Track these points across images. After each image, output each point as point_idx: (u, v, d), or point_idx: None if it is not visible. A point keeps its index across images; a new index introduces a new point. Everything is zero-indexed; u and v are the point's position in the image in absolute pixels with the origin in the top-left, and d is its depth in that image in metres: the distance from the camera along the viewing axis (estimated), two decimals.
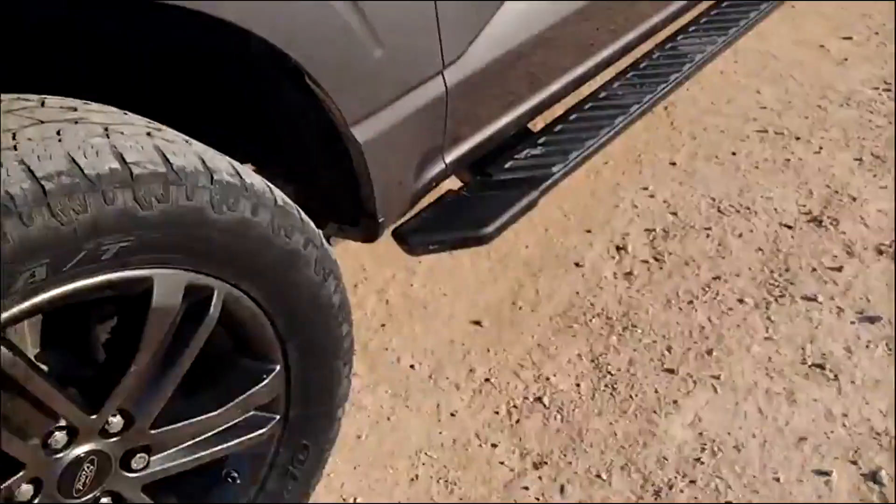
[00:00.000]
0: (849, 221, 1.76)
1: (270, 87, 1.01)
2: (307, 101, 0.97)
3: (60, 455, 0.90)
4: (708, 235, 1.76)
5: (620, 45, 1.53)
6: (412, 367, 1.52)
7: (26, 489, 0.89)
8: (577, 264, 1.71)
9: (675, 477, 1.30)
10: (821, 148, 1.98)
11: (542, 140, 1.47)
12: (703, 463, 1.32)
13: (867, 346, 1.49)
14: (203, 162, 0.86)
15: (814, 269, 1.65)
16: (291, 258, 0.98)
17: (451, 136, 1.21)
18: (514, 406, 1.44)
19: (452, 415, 1.43)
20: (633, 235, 1.77)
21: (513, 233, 1.78)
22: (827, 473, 1.29)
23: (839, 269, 1.65)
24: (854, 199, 1.81)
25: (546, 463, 1.34)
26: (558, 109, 1.52)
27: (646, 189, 1.90)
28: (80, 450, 0.91)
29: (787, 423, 1.37)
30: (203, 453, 1.04)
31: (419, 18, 1.02)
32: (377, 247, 1.74)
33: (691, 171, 1.94)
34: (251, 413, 1.08)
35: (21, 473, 0.87)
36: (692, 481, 1.30)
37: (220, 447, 1.06)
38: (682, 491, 1.28)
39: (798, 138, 2.02)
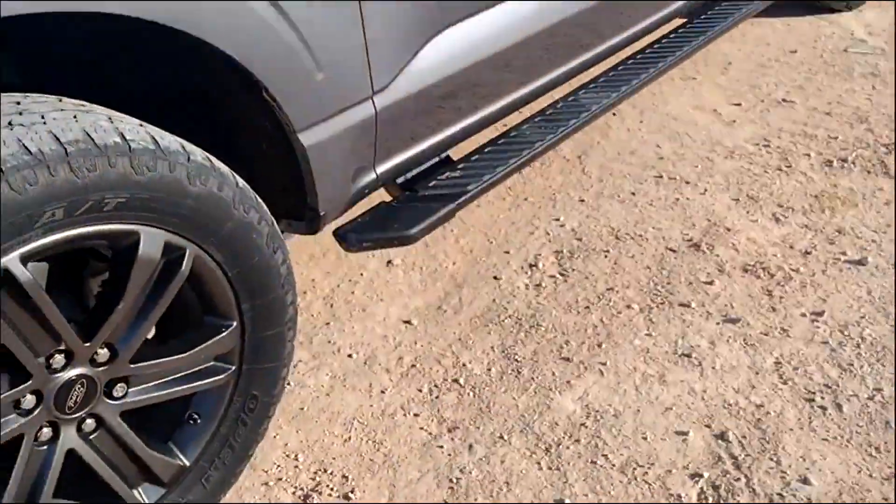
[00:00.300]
0: (722, 247, 2.09)
1: (233, 95, 1.30)
2: (262, 109, 1.27)
3: (58, 374, 1.14)
4: (606, 256, 2.07)
5: (532, 88, 1.87)
6: (350, 355, 1.79)
7: (30, 399, 1.12)
8: (495, 277, 2.01)
9: (563, 437, 1.57)
10: (706, 190, 2.33)
11: (460, 166, 1.79)
12: (586, 427, 1.59)
13: (727, 341, 1.79)
14: (182, 146, 1.14)
15: (690, 283, 1.97)
16: (248, 229, 1.25)
17: (382, 151, 1.52)
18: (435, 385, 1.71)
19: (382, 392, 1.69)
20: (543, 255, 2.08)
21: (442, 253, 2.08)
22: (685, 433, 1.57)
23: (711, 283, 1.97)
24: (728, 230, 2.15)
25: (458, 428, 1.60)
26: (476, 141, 1.84)
27: (557, 220, 2.22)
28: (74, 372, 1.15)
29: (657, 397, 1.66)
30: (171, 390, 1.29)
31: (351, 50, 1.33)
32: (325, 261, 2.03)
33: (596, 206, 2.27)
34: (211, 363, 1.34)
35: (28, 383, 1.11)
36: (576, 440, 1.56)
37: (184, 387, 1.30)
38: (567, 448, 1.55)
39: (687, 182, 2.37)
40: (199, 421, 1.38)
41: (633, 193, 2.33)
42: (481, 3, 1.60)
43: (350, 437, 1.59)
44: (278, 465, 1.54)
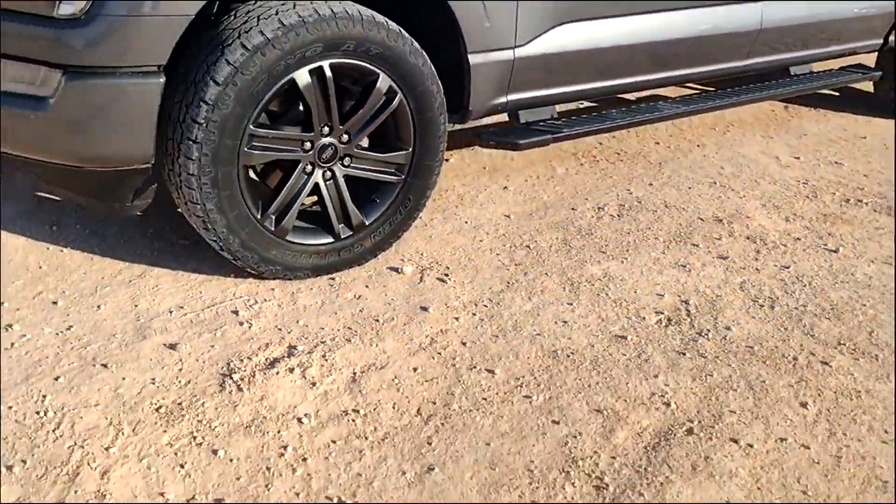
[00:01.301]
0: (738, 224, 2.94)
1: (437, 24, 2.36)
2: (453, 35, 2.34)
3: (323, 138, 2.23)
4: (654, 213, 2.98)
5: (620, 83, 2.86)
6: (466, 222, 2.79)
7: (308, 145, 2.22)
8: (572, 209, 2.96)
9: (583, 281, 2.49)
10: (743, 196, 3.19)
11: (561, 119, 2.80)
12: (600, 280, 2.50)
13: (714, 266, 2.65)
14: (405, 34, 2.22)
15: (704, 236, 2.83)
16: (431, 95, 2.31)
17: (513, 86, 2.56)
18: (514, 245, 2.67)
19: (480, 241, 2.68)
20: (610, 204, 3.02)
21: (542, 190, 3.06)
22: (662, 295, 2.44)
23: (719, 238, 2.82)
24: (748, 217, 3.00)
25: (520, 265, 2.56)
26: (577, 109, 2.84)
27: (628, 190, 3.15)
28: (329, 140, 2.24)
29: (654, 279, 2.54)
30: (370, 173, 2.35)
31: (508, 16, 2.39)
32: (464, 178, 3.04)
33: (659, 188, 3.19)
34: (392, 168, 2.39)
35: (311, 134, 2.20)
36: (591, 284, 2.47)
37: (377, 175, 2.37)
38: (583, 285, 2.46)
39: (732, 189, 3.23)
40: (377, 202, 2.43)
41: (690, 188, 3.23)
42: (593, 13, 2.63)
43: (455, 254, 2.58)
44: (410, 254, 2.56)
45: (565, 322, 2.30)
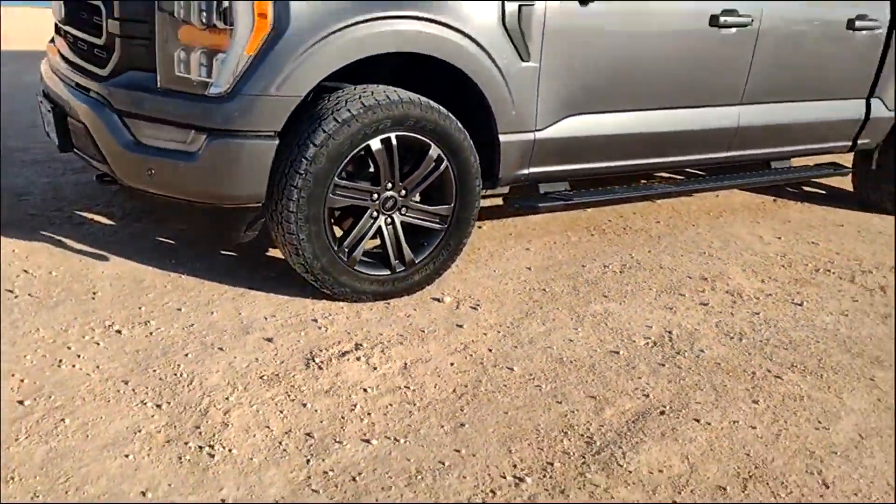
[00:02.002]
0: (719, 282, 3.55)
1: (475, 109, 3.10)
2: (487, 119, 3.07)
3: (387, 192, 2.94)
4: (650, 272, 3.60)
5: (621, 164, 3.56)
6: (494, 270, 3.45)
7: (375, 196, 2.93)
8: (583, 266, 3.60)
9: (587, 315, 3.10)
10: (727, 263, 3.81)
11: (572, 190, 3.49)
12: (602, 316, 3.11)
13: (689, 307, 3.25)
14: (453, 118, 2.96)
15: (691, 289, 3.45)
16: (471, 165, 3.02)
17: (533, 161, 3.27)
18: (532, 288, 3.31)
19: (505, 285, 3.32)
20: (614, 264, 3.65)
21: (558, 251, 3.72)
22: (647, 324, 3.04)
23: (703, 291, 3.43)
24: (729, 277, 3.61)
25: (538, 302, 3.18)
26: (584, 184, 3.53)
27: (630, 255, 3.79)
28: (391, 194, 2.95)
29: (624, 324, 3.14)
30: (421, 222, 3.04)
31: (530, 107, 3.12)
32: (491, 239, 3.72)
33: (656, 255, 3.83)
34: (437, 219, 3.08)
35: (378, 188, 2.91)
36: (594, 318, 3.09)
37: (425, 223, 3.05)
38: (587, 317, 3.08)
39: (719, 258, 3.86)
40: (425, 245, 3.11)
41: (682, 255, 3.86)
42: (612, 103, 3.36)
43: (484, 291, 3.22)
44: (449, 289, 3.21)
45: (571, 340, 2.91)
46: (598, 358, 2.80)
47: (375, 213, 2.95)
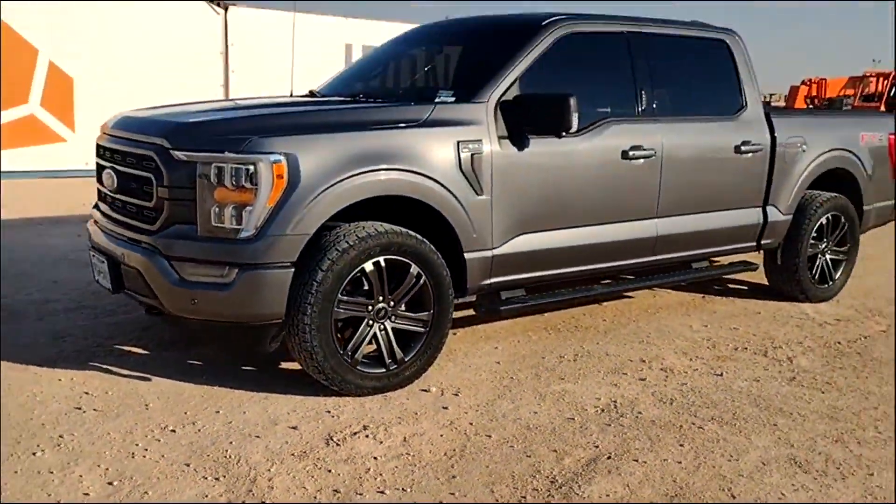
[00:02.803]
0: (655, 362, 4.31)
1: (444, 233, 3.92)
2: (454, 241, 3.89)
3: (378, 304, 3.71)
4: (599, 359, 4.35)
5: (567, 271, 4.37)
6: (469, 365, 4.16)
7: (370, 308, 3.69)
8: (542, 357, 4.34)
9: (549, 393, 3.82)
10: (661, 348, 4.57)
11: (528, 295, 4.28)
12: (562, 396, 3.83)
13: (629, 383, 3.98)
14: (417, 235, 3.78)
15: (633, 369, 4.19)
16: (444, 279, 3.82)
17: (493, 273, 4.08)
18: (501, 377, 4.03)
19: (479, 374, 4.03)
20: (568, 354, 4.40)
21: (519, 350, 4.47)
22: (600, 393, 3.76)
23: (643, 370, 4.18)
24: (663, 359, 4.37)
25: (508, 388, 3.90)
26: (538, 289, 4.34)
27: (581, 346, 4.54)
28: (382, 305, 3.72)
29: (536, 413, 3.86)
30: (406, 327, 3.79)
31: (487, 230, 3.96)
32: (462, 342, 4.49)
33: (603, 345, 4.58)
34: (421, 324, 3.83)
35: (372, 301, 3.67)
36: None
37: (411, 328, 3.80)
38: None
39: (654, 345, 4.63)
40: (412, 345, 3.84)
41: (625, 344, 4.63)
42: (552, 223, 4.20)
43: (463, 382, 3.93)
44: (434, 381, 3.91)
45: (535, 412, 3.61)
46: (557, 423, 3.50)
47: (371, 322, 3.69)
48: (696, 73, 5.13)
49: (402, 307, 3.79)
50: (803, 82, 23.09)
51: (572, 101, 3.91)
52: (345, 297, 3.59)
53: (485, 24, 4.98)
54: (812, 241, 5.64)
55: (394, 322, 3.76)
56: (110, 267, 3.81)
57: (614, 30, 4.64)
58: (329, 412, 3.54)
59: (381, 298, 3.70)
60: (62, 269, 6.04)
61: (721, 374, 4.19)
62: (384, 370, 3.74)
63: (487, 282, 4.10)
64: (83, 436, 3.25)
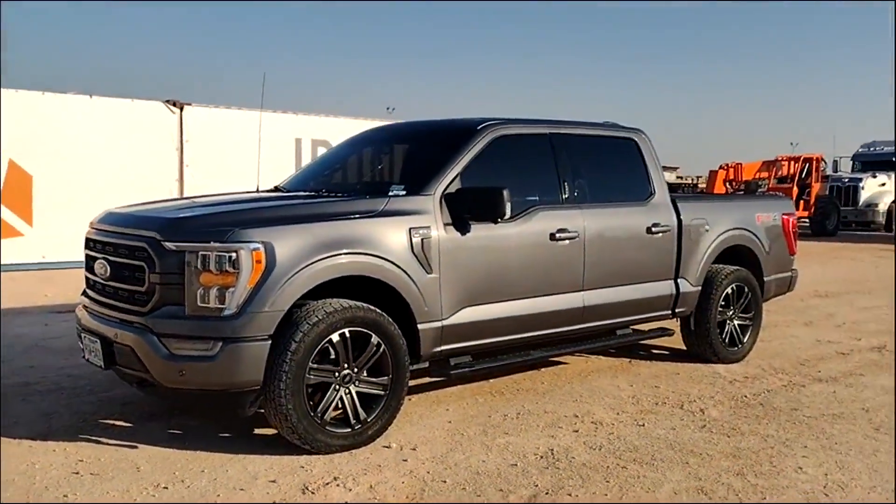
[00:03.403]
0: (593, 416, 4.91)
1: (398, 305, 4.52)
2: (407, 313, 4.48)
3: (343, 370, 4.25)
4: (538, 416, 4.92)
5: (508, 338, 4.99)
6: (425, 425, 4.68)
7: (337, 375, 4.23)
8: (489, 416, 4.89)
9: (511, 450, 4.37)
10: (591, 406, 5.18)
11: (475, 360, 4.86)
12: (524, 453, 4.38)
13: (576, 428, 4.56)
14: (376, 309, 4.36)
15: (567, 420, 4.78)
16: (400, 349, 4.39)
17: (444, 341, 4.67)
18: (456, 434, 4.55)
19: (439, 430, 4.55)
20: (514, 413, 4.96)
21: (471, 408, 5.02)
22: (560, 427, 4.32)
23: (580, 421, 4.77)
24: (595, 414, 4.97)
25: (464, 435, 4.43)
26: (484, 356, 4.93)
27: (523, 406, 5.11)
28: (347, 371, 4.27)
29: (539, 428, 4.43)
30: (367, 390, 4.34)
31: (436, 303, 4.57)
32: (417, 406, 5.04)
33: (544, 402, 5.16)
34: (380, 387, 4.37)
35: (337, 368, 4.22)
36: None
37: (371, 391, 4.34)
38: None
39: (583, 402, 5.23)
40: (374, 406, 4.38)
41: (561, 404, 5.21)
42: (493, 297, 4.84)
43: (420, 438, 4.44)
44: (395, 438, 4.42)
45: (483, 461, 4.15)
46: (503, 469, 4.05)
47: (337, 387, 4.22)
48: (610, 166, 5.93)
49: (364, 373, 4.33)
50: (721, 167, 24.63)
51: (505, 193, 4.61)
52: (314, 365, 4.12)
53: (429, 127, 5.74)
54: (720, 309, 6.41)
55: (357, 386, 4.29)
56: (102, 346, 4.27)
57: (539, 131, 5.43)
58: (303, 467, 4.01)
59: (346, 365, 4.24)
60: (35, 354, 6.40)
61: (643, 425, 4.80)
62: (350, 429, 4.24)
63: (438, 349, 4.68)
64: (85, 496, 3.66)
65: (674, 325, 6.51)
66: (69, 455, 4.15)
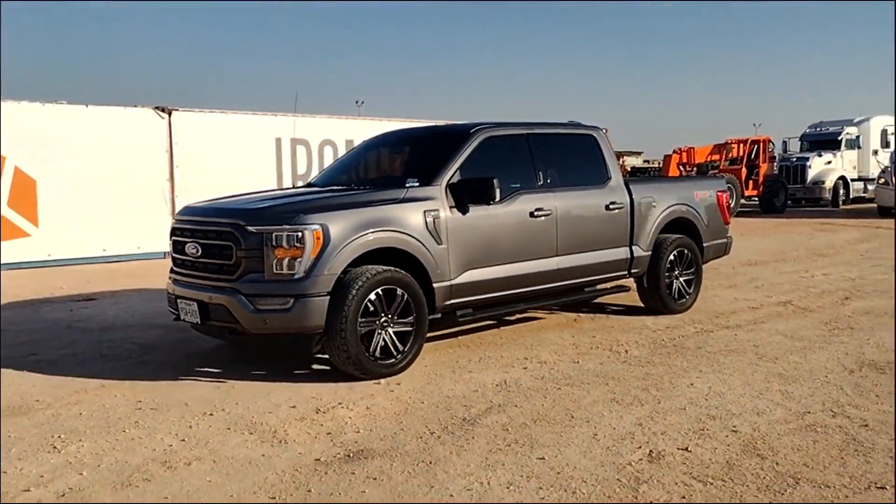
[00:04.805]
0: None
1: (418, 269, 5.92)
2: (425, 274, 5.90)
3: (383, 318, 5.65)
4: (522, 367, 6.37)
5: (507, 293, 6.43)
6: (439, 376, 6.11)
7: (378, 321, 5.63)
8: (456, 361, 6.30)
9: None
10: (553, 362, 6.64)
11: (475, 311, 6.31)
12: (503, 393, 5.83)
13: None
14: (401, 271, 5.76)
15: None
16: (419, 290, 5.79)
17: (453, 296, 6.07)
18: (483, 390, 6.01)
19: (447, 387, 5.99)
20: (515, 365, 6.40)
21: (477, 355, 6.47)
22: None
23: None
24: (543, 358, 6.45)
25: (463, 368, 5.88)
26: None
27: (523, 358, 6.55)
28: (385, 318, 5.66)
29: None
30: (400, 329, 5.74)
31: (445, 265, 5.98)
32: (443, 354, 6.51)
33: (531, 355, 6.60)
34: (410, 326, 5.77)
35: (380, 315, 5.61)
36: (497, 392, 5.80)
37: (402, 329, 5.74)
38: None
39: (546, 362, 6.69)
40: (406, 340, 5.76)
41: (514, 350, 6.48)
42: (488, 262, 6.25)
43: (403, 378, 5.75)
44: (383, 383, 5.72)
45: (452, 389, 5.42)
46: (466, 394, 5.32)
47: (380, 331, 5.62)
48: (575, 157, 7.40)
49: (396, 317, 5.74)
50: (675, 151, 26.17)
51: (495, 181, 6.06)
52: (362, 320, 5.52)
53: (432, 131, 7.25)
54: (668, 270, 7.91)
55: (394, 327, 5.70)
56: (199, 307, 5.64)
57: (518, 132, 6.91)
58: (314, 397, 5.28)
59: (383, 315, 5.64)
60: (73, 334, 7.63)
61: (578, 362, 6.13)
62: (394, 359, 5.67)
63: (448, 302, 6.09)
64: (150, 423, 4.86)
65: (631, 284, 7.98)
66: (129, 398, 5.37)
